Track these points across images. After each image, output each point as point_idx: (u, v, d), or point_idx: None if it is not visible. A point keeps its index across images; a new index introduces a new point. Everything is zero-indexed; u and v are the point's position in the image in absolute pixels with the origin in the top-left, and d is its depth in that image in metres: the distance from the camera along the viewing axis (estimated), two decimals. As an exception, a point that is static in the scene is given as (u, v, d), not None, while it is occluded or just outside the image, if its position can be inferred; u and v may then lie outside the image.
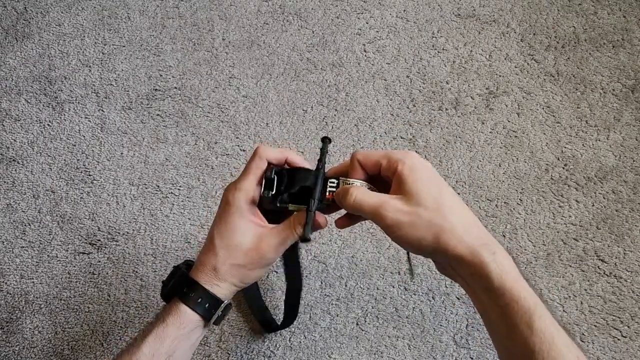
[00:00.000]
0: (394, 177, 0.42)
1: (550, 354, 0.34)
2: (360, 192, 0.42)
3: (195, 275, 0.46)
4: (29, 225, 0.74)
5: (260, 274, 0.47)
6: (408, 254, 0.54)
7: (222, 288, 0.45)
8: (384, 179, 0.44)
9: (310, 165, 0.48)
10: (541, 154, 0.73)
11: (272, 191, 0.45)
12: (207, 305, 0.45)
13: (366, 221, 0.70)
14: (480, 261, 0.37)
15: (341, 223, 0.47)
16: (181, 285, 0.45)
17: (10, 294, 0.70)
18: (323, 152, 0.48)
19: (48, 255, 0.72)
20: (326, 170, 0.47)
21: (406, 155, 0.41)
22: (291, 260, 0.59)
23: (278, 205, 0.46)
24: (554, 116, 0.76)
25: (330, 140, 0.49)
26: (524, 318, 0.35)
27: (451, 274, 0.41)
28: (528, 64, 0.80)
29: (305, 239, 0.44)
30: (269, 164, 0.46)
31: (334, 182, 0.45)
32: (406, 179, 0.40)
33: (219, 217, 0.47)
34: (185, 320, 0.44)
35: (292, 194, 0.45)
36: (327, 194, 0.45)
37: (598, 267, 0.65)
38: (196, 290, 0.45)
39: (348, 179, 0.45)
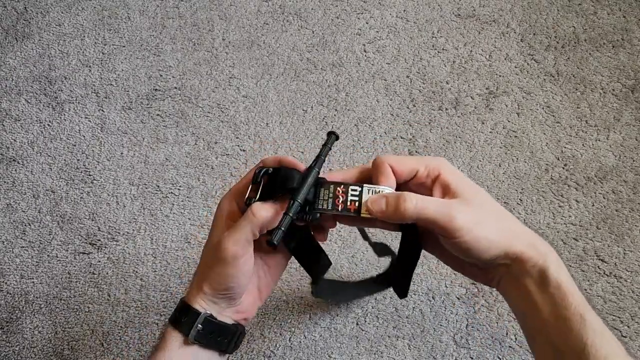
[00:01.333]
0: (434, 183, 0.40)
1: (603, 346, 0.35)
2: (418, 197, 0.38)
3: (185, 294, 0.44)
4: (29, 225, 0.74)
5: (223, 277, 0.41)
6: (363, 232, 0.52)
7: (201, 298, 0.42)
8: (410, 186, 0.41)
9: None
10: (541, 154, 0.73)
11: (256, 198, 0.40)
12: (184, 319, 0.42)
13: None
14: (539, 254, 0.38)
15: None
16: (174, 311, 0.43)
17: (10, 294, 0.70)
18: (324, 148, 0.42)
19: (48, 255, 0.72)
20: (325, 176, 0.42)
21: (443, 161, 0.40)
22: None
23: None
24: (554, 116, 0.76)
25: (337, 137, 0.43)
26: (578, 309, 0.36)
27: (491, 278, 0.41)
28: (528, 64, 0.80)
29: (270, 243, 0.37)
30: (256, 170, 0.42)
31: (356, 190, 0.40)
32: (456, 184, 0.39)
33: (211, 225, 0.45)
34: (167, 338, 0.42)
35: (276, 200, 0.40)
36: (349, 203, 0.40)
37: (598, 267, 0.65)
38: (180, 307, 0.43)
39: (376, 186, 0.40)
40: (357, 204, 0.40)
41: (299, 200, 0.39)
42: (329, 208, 0.40)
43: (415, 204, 0.37)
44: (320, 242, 0.47)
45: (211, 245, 0.43)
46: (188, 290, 0.44)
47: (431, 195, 0.40)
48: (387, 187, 0.40)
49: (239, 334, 0.45)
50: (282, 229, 0.37)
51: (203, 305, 0.42)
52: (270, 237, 0.37)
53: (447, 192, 0.39)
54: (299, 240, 0.45)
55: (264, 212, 0.40)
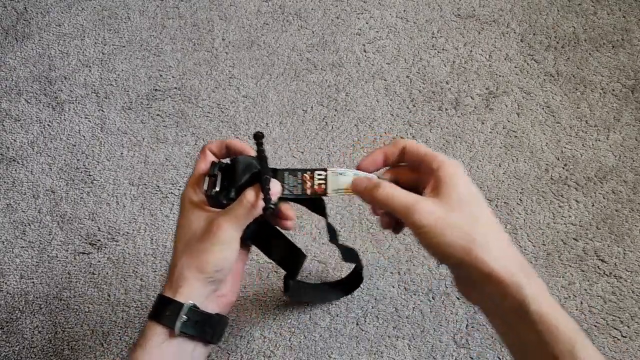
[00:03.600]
0: (430, 177, 0.40)
1: None
2: (391, 186, 0.40)
3: (163, 288, 0.43)
4: (29, 225, 0.74)
5: (219, 258, 0.42)
6: (333, 234, 0.53)
7: (184, 287, 0.42)
8: (407, 179, 0.43)
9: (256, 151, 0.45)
10: (541, 154, 0.73)
11: (216, 188, 0.43)
12: (167, 313, 0.41)
13: (366, 221, 0.70)
14: (515, 282, 0.35)
15: (387, 223, 0.45)
16: (153, 306, 0.43)
17: (10, 294, 0.70)
18: (260, 143, 0.45)
19: (48, 255, 0.72)
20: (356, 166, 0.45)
21: (452, 162, 0.40)
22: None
23: (225, 202, 0.43)
24: (554, 116, 0.76)
25: (262, 135, 0.45)
26: (567, 346, 0.34)
27: (469, 292, 0.40)
28: (528, 64, 0.80)
29: (267, 208, 0.41)
30: (212, 162, 0.44)
31: (321, 174, 0.44)
32: (445, 183, 0.38)
33: (178, 221, 0.45)
34: (149, 335, 0.42)
35: (241, 187, 0.43)
36: (317, 186, 0.44)
37: (598, 267, 0.65)
38: (160, 302, 0.42)
39: (339, 169, 0.44)
40: (324, 186, 0.45)
41: (268, 176, 0.42)
42: (299, 193, 0.45)
43: (385, 192, 0.40)
44: (287, 232, 0.50)
45: (194, 231, 0.43)
46: (165, 285, 0.43)
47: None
48: (352, 171, 0.44)
49: (223, 323, 0.45)
50: (268, 196, 0.41)
51: (184, 296, 0.42)
52: (265, 205, 0.41)
53: (434, 189, 0.39)
54: (258, 229, 0.48)
55: (253, 195, 0.42)
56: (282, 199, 0.45)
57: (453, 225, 0.37)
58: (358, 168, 0.45)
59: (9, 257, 0.72)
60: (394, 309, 0.65)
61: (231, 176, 0.43)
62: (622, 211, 0.68)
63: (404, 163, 0.44)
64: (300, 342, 0.64)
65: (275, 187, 0.44)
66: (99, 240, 0.72)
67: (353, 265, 0.62)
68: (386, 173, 0.45)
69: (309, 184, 0.45)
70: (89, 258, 0.71)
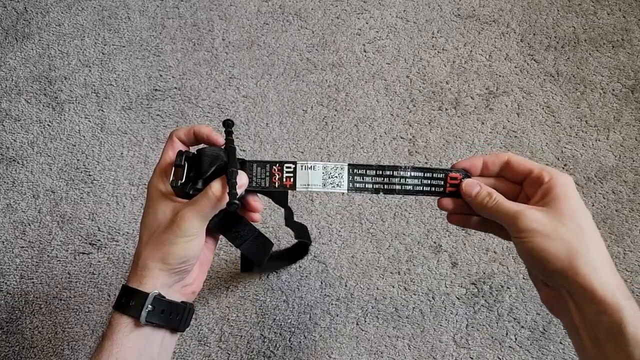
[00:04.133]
0: (536, 190, 0.41)
1: None
2: (499, 195, 0.41)
3: (127, 279, 0.43)
4: (29, 225, 0.74)
5: (183, 251, 0.42)
6: (290, 215, 0.53)
7: (148, 277, 0.42)
8: (524, 185, 0.43)
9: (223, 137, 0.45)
10: (541, 154, 0.73)
11: (182, 180, 0.42)
12: (132, 303, 0.41)
13: (366, 221, 0.70)
14: (615, 303, 0.35)
15: (456, 220, 0.46)
16: (118, 297, 0.43)
17: (10, 294, 0.70)
18: (228, 131, 0.45)
19: (48, 256, 0.72)
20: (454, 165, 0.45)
21: (564, 174, 0.40)
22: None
23: (191, 193, 0.42)
24: (553, 116, 0.76)
25: (232, 123, 0.46)
26: None
27: (556, 302, 0.40)
28: (528, 64, 0.80)
29: (231, 204, 0.39)
30: (179, 151, 0.43)
31: (290, 167, 0.44)
32: (556, 194, 0.39)
33: (144, 209, 0.44)
34: (115, 325, 0.41)
35: (207, 178, 0.42)
36: (285, 180, 0.44)
37: (598, 267, 0.65)
38: (125, 292, 0.42)
39: (308, 162, 0.44)
40: (292, 179, 0.44)
41: (235, 168, 0.41)
42: (267, 186, 0.44)
43: (495, 200, 0.41)
44: (256, 223, 0.49)
45: (159, 222, 0.43)
46: (129, 275, 0.43)
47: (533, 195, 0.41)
48: (322, 163, 0.43)
49: (189, 310, 0.46)
50: (234, 191, 0.40)
51: (149, 286, 0.42)
52: (230, 199, 0.39)
53: (543, 200, 0.40)
54: (225, 220, 0.47)
55: (218, 188, 0.41)
56: (248, 190, 0.45)
57: (559, 236, 0.37)
58: (454, 167, 0.45)
59: (9, 257, 0.72)
60: (394, 309, 0.65)
61: (197, 167, 0.42)
62: (622, 211, 0.68)
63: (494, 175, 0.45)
64: (300, 342, 0.64)
65: (242, 180, 0.43)
66: (99, 240, 0.72)
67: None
68: (479, 180, 0.45)
69: (277, 176, 0.44)
70: (89, 258, 0.71)
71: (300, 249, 0.65)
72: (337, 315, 0.65)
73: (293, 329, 0.65)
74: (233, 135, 0.44)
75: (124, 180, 0.76)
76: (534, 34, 0.82)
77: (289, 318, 0.66)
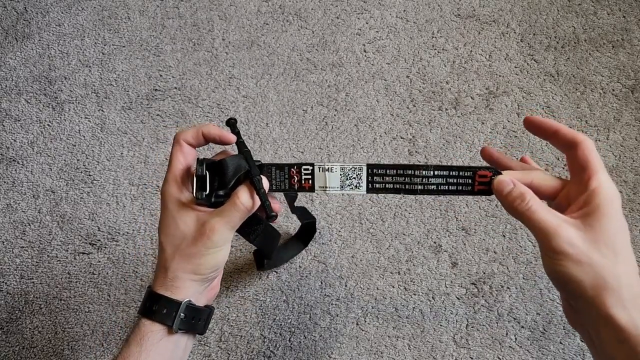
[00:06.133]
0: (581, 190, 0.38)
1: None
2: (534, 199, 0.37)
3: (154, 285, 0.43)
4: (29, 225, 0.74)
5: (215, 260, 0.43)
6: (292, 203, 0.55)
7: (180, 288, 0.42)
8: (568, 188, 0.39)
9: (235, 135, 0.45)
10: (541, 154, 0.73)
11: (206, 191, 0.41)
12: (164, 311, 0.42)
13: (366, 221, 0.70)
14: (638, 336, 0.33)
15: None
16: (145, 302, 0.43)
17: (10, 294, 0.70)
18: (236, 132, 0.45)
19: (48, 255, 0.72)
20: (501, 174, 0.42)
21: (612, 187, 0.37)
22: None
23: (213, 201, 0.42)
24: (554, 116, 0.76)
25: (236, 121, 0.46)
26: None
27: (577, 320, 0.38)
28: (528, 64, 0.80)
29: (272, 217, 0.41)
30: (198, 159, 0.43)
31: (308, 169, 0.44)
32: (599, 210, 0.36)
33: (160, 217, 0.44)
34: (145, 332, 0.42)
35: (231, 188, 0.42)
36: (304, 182, 0.44)
37: (598, 267, 0.65)
38: (154, 299, 0.42)
39: (326, 164, 0.44)
40: (310, 181, 0.44)
41: (259, 177, 0.42)
42: (286, 188, 0.45)
43: (528, 206, 0.37)
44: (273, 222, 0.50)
45: (184, 233, 0.42)
46: (156, 284, 0.43)
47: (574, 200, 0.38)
48: (340, 164, 0.43)
49: (211, 313, 0.47)
50: (268, 202, 0.41)
51: (181, 295, 0.42)
52: (267, 213, 0.41)
53: (584, 207, 0.37)
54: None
55: (248, 198, 0.42)
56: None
57: (591, 262, 0.35)
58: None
59: (9, 257, 0.72)
60: (394, 309, 0.65)
61: (221, 178, 0.42)
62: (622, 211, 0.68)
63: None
64: (300, 342, 0.64)
65: (265, 186, 0.43)
66: (99, 240, 0.72)
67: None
68: (524, 165, 0.43)
69: (295, 179, 0.44)
70: (89, 258, 0.71)
71: (308, 229, 0.66)
72: (337, 315, 0.65)
73: (293, 329, 0.65)
74: (241, 133, 0.44)
75: (124, 180, 0.76)
76: (534, 34, 0.82)
77: (289, 318, 0.66)
